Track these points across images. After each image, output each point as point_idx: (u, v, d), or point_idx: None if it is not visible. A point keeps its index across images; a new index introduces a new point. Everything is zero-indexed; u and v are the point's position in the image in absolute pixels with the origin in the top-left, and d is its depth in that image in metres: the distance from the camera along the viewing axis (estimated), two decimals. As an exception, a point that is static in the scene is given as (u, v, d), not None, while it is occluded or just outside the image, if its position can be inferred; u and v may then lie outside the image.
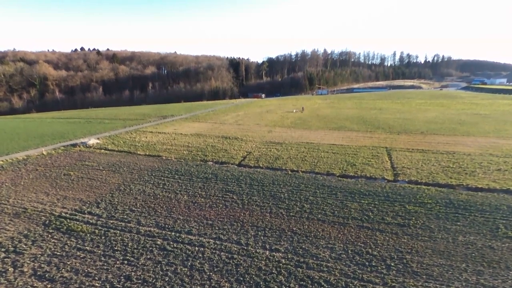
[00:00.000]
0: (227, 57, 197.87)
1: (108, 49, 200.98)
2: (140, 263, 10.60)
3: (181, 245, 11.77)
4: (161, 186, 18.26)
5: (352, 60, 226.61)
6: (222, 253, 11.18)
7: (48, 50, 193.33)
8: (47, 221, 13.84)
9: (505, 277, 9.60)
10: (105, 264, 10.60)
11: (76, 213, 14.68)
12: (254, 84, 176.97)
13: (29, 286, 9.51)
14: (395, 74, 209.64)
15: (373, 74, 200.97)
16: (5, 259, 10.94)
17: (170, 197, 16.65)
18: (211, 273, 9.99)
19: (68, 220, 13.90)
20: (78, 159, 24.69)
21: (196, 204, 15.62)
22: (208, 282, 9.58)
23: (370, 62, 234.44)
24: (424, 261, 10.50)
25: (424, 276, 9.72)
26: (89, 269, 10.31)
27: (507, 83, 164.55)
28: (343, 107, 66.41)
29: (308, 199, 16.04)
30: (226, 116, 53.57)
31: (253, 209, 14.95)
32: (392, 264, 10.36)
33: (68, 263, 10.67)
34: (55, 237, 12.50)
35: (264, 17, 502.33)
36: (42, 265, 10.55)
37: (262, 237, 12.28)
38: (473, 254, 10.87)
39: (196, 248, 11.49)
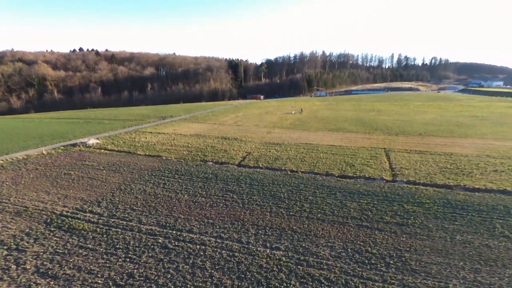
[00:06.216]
0: (226, 59, 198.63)
1: (107, 50, 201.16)
2: (142, 261, 10.69)
3: (183, 243, 11.87)
4: (161, 186, 18.35)
5: (351, 62, 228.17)
6: (223, 251, 11.30)
7: (46, 51, 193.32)
8: (49, 220, 13.89)
9: (502, 275, 9.78)
10: (107, 261, 10.68)
11: (77, 212, 14.74)
12: (253, 85, 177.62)
13: (32, 283, 9.57)
14: (393, 76, 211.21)
15: (371, 76, 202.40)
16: (7, 257, 10.99)
17: (171, 196, 16.75)
18: (212, 271, 10.10)
19: (70, 219, 13.95)
20: (78, 158, 24.72)
21: (196, 204, 15.72)
22: (210, 279, 9.70)
23: (368, 64, 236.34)
24: (422, 259, 10.67)
25: (422, 274, 9.88)
26: (91, 266, 10.39)
27: (504, 86, 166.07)
28: (342, 109, 66.77)
29: (308, 198, 16.19)
30: (225, 117, 53.71)
31: (253, 208, 15.08)
32: (391, 262, 10.52)
33: (71, 260, 10.75)
34: (57, 235, 12.56)
35: (262, 18, 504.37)
36: (45, 263, 10.61)
37: (262, 236, 12.40)
38: (471, 253, 11.05)
39: (198, 246, 11.60)
